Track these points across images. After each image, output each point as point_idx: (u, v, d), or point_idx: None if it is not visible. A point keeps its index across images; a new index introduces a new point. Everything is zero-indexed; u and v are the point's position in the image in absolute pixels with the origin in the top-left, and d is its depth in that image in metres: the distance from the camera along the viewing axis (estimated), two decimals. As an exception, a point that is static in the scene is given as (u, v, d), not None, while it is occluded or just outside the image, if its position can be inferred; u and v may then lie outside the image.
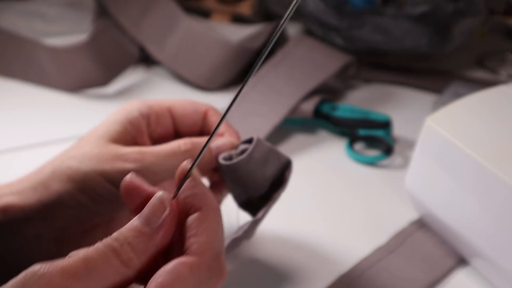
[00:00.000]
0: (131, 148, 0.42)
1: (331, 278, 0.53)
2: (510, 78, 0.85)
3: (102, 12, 0.84)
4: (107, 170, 0.40)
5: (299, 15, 0.88)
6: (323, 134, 0.73)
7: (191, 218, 0.33)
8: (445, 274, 0.54)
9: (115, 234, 0.32)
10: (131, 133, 0.44)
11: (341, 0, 0.85)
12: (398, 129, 0.72)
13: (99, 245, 0.32)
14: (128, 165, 0.40)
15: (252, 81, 0.76)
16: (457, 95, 0.73)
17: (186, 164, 0.35)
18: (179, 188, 0.34)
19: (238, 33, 0.88)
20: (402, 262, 0.54)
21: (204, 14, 0.98)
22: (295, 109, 0.72)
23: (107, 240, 0.32)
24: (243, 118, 0.72)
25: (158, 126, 0.47)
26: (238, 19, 0.98)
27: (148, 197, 0.34)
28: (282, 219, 0.60)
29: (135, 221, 0.33)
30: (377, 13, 0.82)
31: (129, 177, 0.35)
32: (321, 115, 0.73)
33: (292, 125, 0.73)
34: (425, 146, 0.54)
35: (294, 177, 0.66)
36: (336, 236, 0.59)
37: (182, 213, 0.34)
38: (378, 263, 0.54)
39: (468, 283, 0.53)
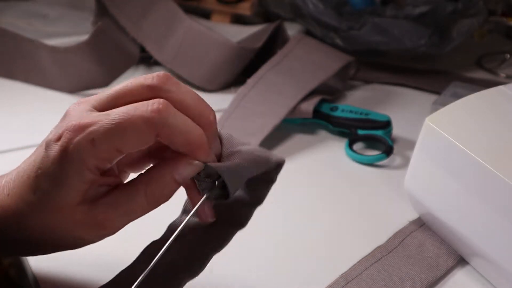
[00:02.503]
0: None
1: (330, 277, 0.53)
2: (509, 79, 0.85)
3: (103, 13, 0.84)
4: None
5: (298, 15, 0.88)
6: (323, 134, 0.74)
7: None
8: (445, 273, 0.54)
9: None
10: None
11: (340, 0, 0.85)
12: (398, 129, 0.72)
13: None
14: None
15: (252, 81, 0.76)
16: (456, 96, 0.73)
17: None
18: None
19: (238, 34, 0.89)
20: (401, 261, 0.54)
21: (204, 14, 0.99)
22: (294, 109, 0.72)
23: None
24: (243, 118, 0.72)
25: None
26: (238, 20, 0.98)
27: None
28: (282, 219, 0.61)
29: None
30: (377, 14, 0.83)
31: None
32: (320, 115, 0.73)
33: (292, 125, 0.74)
34: (425, 146, 0.55)
35: (294, 176, 0.67)
36: (336, 235, 0.59)
37: None
38: (377, 262, 0.54)
39: (467, 283, 0.53)
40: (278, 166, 0.46)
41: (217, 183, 0.41)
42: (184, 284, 0.43)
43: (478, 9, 0.84)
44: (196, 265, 0.43)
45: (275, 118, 0.71)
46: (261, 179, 0.46)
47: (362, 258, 0.55)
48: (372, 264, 0.54)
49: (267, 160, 0.44)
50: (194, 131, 0.40)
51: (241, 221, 0.45)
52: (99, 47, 0.80)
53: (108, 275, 0.45)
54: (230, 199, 0.42)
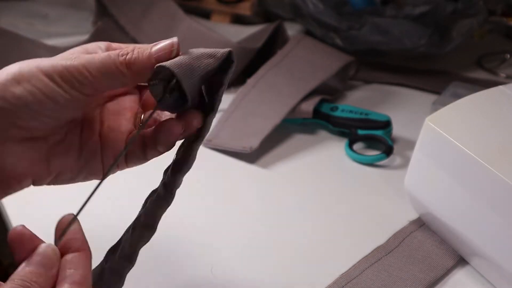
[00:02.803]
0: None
1: (331, 277, 0.53)
2: (509, 79, 0.85)
3: (103, 13, 0.84)
4: (44, 65, 0.41)
5: (298, 15, 0.88)
6: (323, 134, 0.74)
7: (71, 256, 0.38)
8: (444, 273, 0.54)
9: (12, 276, 0.37)
10: None
11: (340, 0, 0.85)
12: (398, 129, 0.72)
13: None
14: (63, 62, 0.41)
15: (252, 81, 0.76)
16: (456, 96, 0.74)
17: (68, 216, 0.39)
18: (62, 234, 0.38)
19: (238, 34, 0.89)
20: (401, 261, 0.55)
21: (204, 14, 0.99)
22: (294, 109, 0.72)
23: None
24: (243, 118, 0.72)
25: None
26: (238, 20, 0.98)
27: (36, 246, 0.38)
28: (282, 219, 0.61)
29: (29, 265, 0.37)
30: (377, 14, 0.83)
31: (19, 227, 0.38)
32: (320, 115, 0.73)
33: (292, 125, 0.74)
34: (425, 146, 0.55)
35: (294, 176, 0.67)
36: (336, 235, 0.59)
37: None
38: (377, 262, 0.54)
39: (467, 283, 0.53)
40: (227, 63, 0.42)
41: (171, 84, 0.40)
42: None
43: (478, 9, 0.84)
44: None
45: (275, 118, 0.71)
46: (212, 83, 0.43)
47: (362, 258, 0.55)
48: (372, 264, 0.54)
49: (214, 52, 0.42)
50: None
51: (201, 133, 0.44)
52: (99, 47, 0.80)
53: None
54: (188, 104, 0.41)
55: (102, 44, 0.43)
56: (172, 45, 0.42)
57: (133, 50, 0.41)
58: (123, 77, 0.41)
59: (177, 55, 0.41)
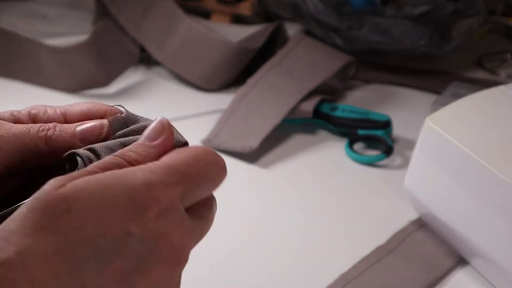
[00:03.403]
0: None
1: (331, 277, 0.53)
2: (509, 79, 0.85)
3: (103, 12, 0.84)
4: None
5: (298, 15, 0.88)
6: (323, 134, 0.73)
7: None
8: (445, 273, 0.54)
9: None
10: None
11: (340, 0, 0.85)
12: (398, 129, 0.72)
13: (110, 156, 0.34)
14: None
15: (252, 81, 0.76)
16: (456, 96, 0.73)
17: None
18: None
19: (238, 34, 0.89)
20: (402, 262, 0.54)
21: (204, 14, 0.99)
22: (295, 109, 0.72)
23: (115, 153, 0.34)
24: (243, 118, 0.72)
25: None
26: (238, 20, 0.98)
27: None
28: (282, 219, 0.61)
29: (140, 139, 0.35)
30: (377, 14, 0.83)
31: None
32: (320, 115, 0.73)
33: (292, 125, 0.74)
34: (425, 146, 0.55)
35: (294, 176, 0.67)
36: (336, 235, 0.59)
37: None
38: (378, 263, 0.54)
39: (467, 283, 0.53)
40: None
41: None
42: None
43: (478, 9, 0.84)
44: None
45: (275, 118, 0.71)
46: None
47: (362, 258, 0.55)
48: (372, 264, 0.54)
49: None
50: None
51: None
52: (99, 47, 0.80)
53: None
54: None
55: (7, 115, 0.39)
56: (101, 128, 0.38)
57: (55, 127, 0.38)
58: (39, 153, 0.37)
59: (107, 137, 0.38)
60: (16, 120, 0.39)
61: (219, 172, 0.36)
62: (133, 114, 0.39)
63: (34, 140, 0.37)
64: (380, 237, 0.57)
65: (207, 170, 0.35)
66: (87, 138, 0.38)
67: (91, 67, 0.80)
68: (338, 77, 0.80)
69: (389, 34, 0.82)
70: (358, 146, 0.71)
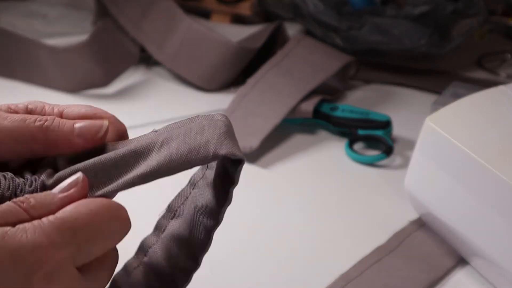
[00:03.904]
0: None
1: (331, 278, 0.53)
2: (509, 79, 0.85)
3: (103, 12, 0.84)
4: None
5: (298, 15, 0.88)
6: (323, 134, 0.73)
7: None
8: (445, 273, 0.54)
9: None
10: None
11: (340, 0, 0.85)
12: (398, 129, 0.72)
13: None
14: None
15: (252, 81, 0.76)
16: (457, 96, 0.73)
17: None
18: None
19: (238, 34, 0.89)
20: (402, 262, 0.54)
21: (204, 14, 0.99)
22: (295, 109, 0.72)
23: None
24: (243, 118, 0.72)
25: None
26: (238, 20, 0.98)
27: None
28: (282, 219, 0.61)
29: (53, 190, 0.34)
30: (377, 14, 0.83)
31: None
32: (320, 115, 0.73)
33: (292, 125, 0.74)
34: (425, 146, 0.55)
35: (294, 176, 0.67)
36: (336, 235, 0.59)
37: None
38: (378, 263, 0.54)
39: (467, 283, 0.53)
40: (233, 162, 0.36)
41: None
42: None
43: (478, 9, 0.84)
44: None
45: (275, 118, 0.71)
46: (221, 180, 0.39)
47: (362, 259, 0.55)
48: (372, 264, 0.54)
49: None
50: None
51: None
52: (99, 47, 0.80)
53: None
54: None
55: (4, 107, 0.39)
56: (100, 127, 0.37)
57: (53, 119, 0.37)
58: (34, 143, 0.36)
59: (103, 138, 0.37)
60: (13, 112, 0.38)
61: (120, 227, 0.34)
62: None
63: (30, 130, 0.36)
64: (380, 237, 0.57)
65: (102, 227, 0.33)
66: (84, 135, 0.36)
67: (91, 67, 0.80)
68: (338, 77, 0.80)
69: (389, 34, 0.82)
70: (358, 146, 0.71)
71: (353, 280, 0.52)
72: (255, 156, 0.68)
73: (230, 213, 0.61)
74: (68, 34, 0.90)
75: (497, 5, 0.95)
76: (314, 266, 0.55)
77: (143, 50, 0.83)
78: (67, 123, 0.37)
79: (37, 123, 0.36)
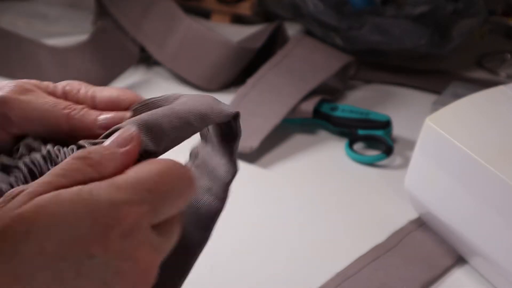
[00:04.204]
0: None
1: (330, 276, 0.53)
2: (509, 79, 0.85)
3: (103, 12, 0.84)
4: None
5: (298, 15, 0.88)
6: (323, 134, 0.73)
7: None
8: (443, 272, 0.54)
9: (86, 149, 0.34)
10: None
11: (340, 0, 0.85)
12: (398, 129, 0.72)
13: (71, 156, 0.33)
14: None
15: (252, 81, 0.76)
16: (457, 96, 0.73)
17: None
18: None
19: (238, 34, 0.89)
20: (400, 260, 0.54)
21: (204, 14, 0.99)
22: (295, 109, 0.72)
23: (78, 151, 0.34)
24: (243, 118, 0.71)
25: None
26: (238, 20, 0.98)
27: None
28: (281, 218, 0.61)
29: (106, 143, 0.34)
30: (377, 14, 0.83)
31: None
32: (320, 115, 0.73)
33: (292, 125, 0.74)
34: (425, 146, 0.55)
35: (294, 176, 0.67)
36: (335, 235, 0.59)
37: None
38: (375, 261, 0.54)
39: (466, 282, 0.53)
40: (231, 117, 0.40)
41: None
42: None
43: (478, 9, 0.84)
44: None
45: (275, 118, 0.71)
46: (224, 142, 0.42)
47: (360, 257, 0.55)
48: (370, 262, 0.54)
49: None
50: None
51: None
52: (99, 47, 0.80)
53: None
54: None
55: (44, 85, 0.40)
56: (121, 119, 0.38)
57: (80, 109, 0.38)
58: (58, 129, 0.38)
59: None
60: (51, 92, 0.40)
61: (188, 186, 0.34)
62: (157, 99, 0.39)
63: (57, 116, 0.38)
64: (380, 237, 0.57)
65: (174, 186, 0.33)
66: (106, 128, 0.37)
67: (92, 67, 0.80)
68: (338, 77, 0.80)
69: (389, 34, 0.82)
70: (358, 146, 0.71)
71: (350, 278, 0.52)
72: (255, 156, 0.68)
73: (230, 212, 0.61)
74: (68, 34, 0.90)
75: (497, 5, 0.95)
76: (314, 266, 0.55)
77: (143, 50, 0.83)
78: (92, 114, 0.38)
79: (65, 111, 0.38)
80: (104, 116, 0.38)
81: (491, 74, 0.87)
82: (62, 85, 0.40)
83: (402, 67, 0.86)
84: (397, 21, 0.82)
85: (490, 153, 0.49)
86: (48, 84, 0.40)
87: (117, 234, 0.31)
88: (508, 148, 0.50)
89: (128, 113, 0.38)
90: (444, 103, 0.59)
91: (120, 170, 0.33)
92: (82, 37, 0.82)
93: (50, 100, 0.38)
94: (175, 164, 0.34)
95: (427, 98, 0.80)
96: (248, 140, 0.68)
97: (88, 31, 0.85)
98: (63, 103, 0.38)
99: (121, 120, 0.37)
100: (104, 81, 0.80)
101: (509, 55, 0.90)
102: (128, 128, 0.35)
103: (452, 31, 0.83)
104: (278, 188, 0.65)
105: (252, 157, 0.68)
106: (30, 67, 0.82)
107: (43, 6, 1.01)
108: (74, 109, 0.38)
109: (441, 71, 0.86)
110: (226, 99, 0.75)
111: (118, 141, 0.34)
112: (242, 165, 0.67)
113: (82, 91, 0.40)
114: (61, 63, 0.80)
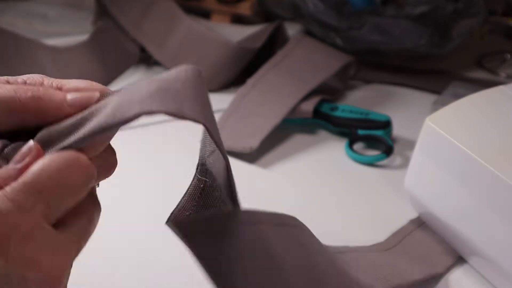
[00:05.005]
0: None
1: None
2: (509, 79, 0.85)
3: (103, 12, 0.84)
4: None
5: (298, 15, 0.88)
6: (323, 134, 0.74)
7: None
8: (443, 272, 0.54)
9: None
10: None
11: (340, 0, 0.85)
12: (398, 129, 0.72)
13: None
14: None
15: (252, 81, 0.76)
16: (457, 96, 0.73)
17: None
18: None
19: (238, 34, 0.89)
20: (400, 259, 0.54)
21: (204, 14, 0.99)
22: (295, 109, 0.72)
23: None
24: (243, 118, 0.72)
25: None
26: (238, 20, 0.98)
27: None
28: (282, 219, 0.61)
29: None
30: (377, 14, 0.83)
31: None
32: (320, 115, 0.73)
33: (292, 125, 0.74)
34: (425, 146, 0.55)
35: (294, 176, 0.67)
36: (335, 235, 0.59)
37: None
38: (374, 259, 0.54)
39: (465, 281, 0.53)
40: None
41: None
42: None
43: (478, 9, 0.84)
44: None
45: (275, 118, 0.71)
46: None
47: (359, 255, 0.55)
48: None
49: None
50: None
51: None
52: (99, 47, 0.80)
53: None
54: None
55: (3, 78, 0.38)
56: (91, 98, 0.37)
57: (45, 89, 0.37)
58: (26, 114, 0.36)
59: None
60: (11, 84, 0.38)
61: (83, 175, 0.34)
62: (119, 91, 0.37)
63: (22, 100, 0.36)
64: (380, 237, 0.57)
65: (66, 179, 0.33)
66: (75, 105, 0.36)
67: (92, 67, 0.80)
68: (338, 77, 0.80)
69: (389, 34, 0.82)
70: (358, 146, 0.71)
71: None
72: (255, 156, 0.68)
73: (230, 213, 0.61)
74: (68, 34, 0.91)
75: (497, 5, 0.96)
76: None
77: (143, 50, 0.83)
78: (59, 93, 0.37)
79: (29, 94, 0.36)
80: (73, 95, 0.37)
81: (491, 74, 0.87)
82: (23, 78, 0.38)
83: (402, 67, 0.86)
84: (397, 21, 0.82)
85: (490, 153, 0.50)
86: (7, 79, 0.38)
87: (16, 242, 0.31)
88: (508, 148, 0.50)
89: (96, 93, 0.37)
90: (444, 103, 0.59)
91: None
92: (82, 37, 0.82)
93: (9, 86, 0.36)
94: (65, 156, 0.33)
95: (427, 98, 0.80)
96: (248, 140, 0.68)
97: (88, 31, 0.85)
98: (23, 87, 0.36)
99: (90, 99, 0.36)
100: (104, 81, 0.80)
101: (509, 55, 0.90)
102: (27, 145, 0.34)
103: (452, 31, 0.83)
104: (278, 188, 0.65)
105: (252, 157, 0.68)
106: (30, 67, 0.82)
107: (43, 6, 1.01)
108: (38, 90, 0.36)
109: (441, 71, 0.86)
110: (226, 99, 0.75)
111: (16, 158, 0.34)
112: (242, 165, 0.67)
113: (46, 82, 0.38)
114: (61, 63, 0.80)
